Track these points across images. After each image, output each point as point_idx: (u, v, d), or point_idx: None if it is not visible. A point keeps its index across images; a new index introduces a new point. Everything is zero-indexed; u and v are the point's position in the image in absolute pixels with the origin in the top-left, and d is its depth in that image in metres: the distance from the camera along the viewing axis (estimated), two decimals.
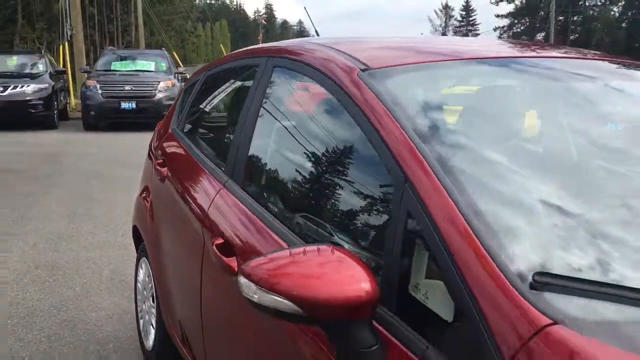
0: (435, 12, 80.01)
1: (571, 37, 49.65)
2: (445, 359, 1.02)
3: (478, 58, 1.81)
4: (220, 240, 1.77)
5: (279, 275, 1.11)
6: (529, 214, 1.19)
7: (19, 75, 13.64)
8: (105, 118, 12.99)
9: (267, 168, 1.99)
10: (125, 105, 12.80)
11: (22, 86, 12.94)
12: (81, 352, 3.01)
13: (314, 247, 1.14)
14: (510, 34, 53.78)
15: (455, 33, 66.66)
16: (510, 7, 55.88)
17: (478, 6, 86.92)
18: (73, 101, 17.37)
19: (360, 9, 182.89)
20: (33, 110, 12.68)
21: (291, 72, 1.96)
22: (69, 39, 19.38)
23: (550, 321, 0.92)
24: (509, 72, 1.82)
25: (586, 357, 0.87)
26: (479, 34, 68.95)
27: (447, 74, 1.77)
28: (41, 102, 12.83)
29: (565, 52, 2.06)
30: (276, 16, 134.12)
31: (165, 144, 2.89)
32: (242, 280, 1.14)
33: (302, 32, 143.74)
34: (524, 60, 1.88)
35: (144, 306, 2.94)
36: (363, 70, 1.57)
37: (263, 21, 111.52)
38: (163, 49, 17.31)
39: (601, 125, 1.71)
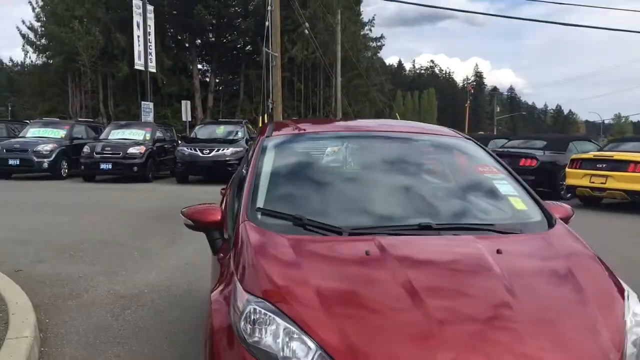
0: None
1: None
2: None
3: (334, 132, 3.48)
4: None
5: (191, 214, 2.88)
6: (292, 193, 2.83)
7: (223, 141, 17.27)
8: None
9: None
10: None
11: (223, 149, 16.45)
12: None
13: (207, 205, 2.96)
14: None
15: None
16: None
17: None
18: None
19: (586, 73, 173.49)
20: (229, 168, 15.97)
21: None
22: (269, 111, 23.29)
23: (246, 218, 2.54)
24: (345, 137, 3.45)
25: (249, 228, 2.47)
26: None
27: (308, 136, 3.45)
28: (237, 161, 16.11)
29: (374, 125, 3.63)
30: (485, 83, 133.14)
31: None
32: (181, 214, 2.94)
33: (512, 99, 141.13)
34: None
35: None
36: (267, 137, 3.28)
37: (471, 89, 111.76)
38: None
39: (376, 160, 3.23)
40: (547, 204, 2.94)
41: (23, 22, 42.66)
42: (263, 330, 1.93)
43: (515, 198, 2.88)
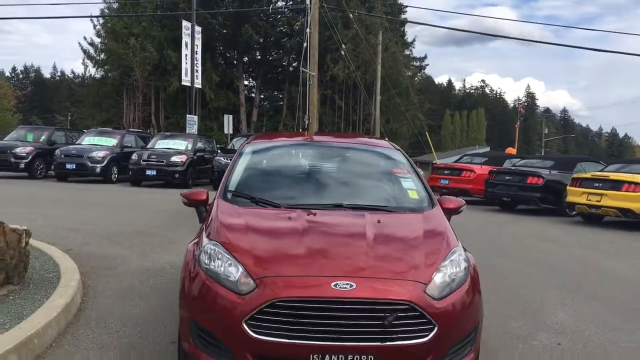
0: None
1: None
2: None
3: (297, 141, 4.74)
4: None
5: (186, 195, 4.19)
6: (255, 183, 4.10)
7: None
8: None
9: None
10: None
11: None
12: None
13: (198, 189, 4.29)
14: None
15: None
16: None
17: None
18: None
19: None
20: None
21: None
22: (306, 127, 24.69)
23: (219, 196, 3.83)
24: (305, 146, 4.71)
25: (220, 202, 3.77)
26: None
27: (278, 144, 4.72)
28: None
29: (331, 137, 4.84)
30: (538, 104, 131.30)
31: None
32: (180, 195, 4.27)
33: (566, 121, 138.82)
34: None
35: None
36: (247, 144, 4.60)
37: (522, 109, 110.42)
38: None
39: (319, 162, 4.46)
40: (442, 198, 4.12)
41: (85, 38, 45.83)
42: (213, 260, 3.17)
43: (413, 191, 4.06)
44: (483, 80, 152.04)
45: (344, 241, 3.39)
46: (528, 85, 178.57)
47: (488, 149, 64.83)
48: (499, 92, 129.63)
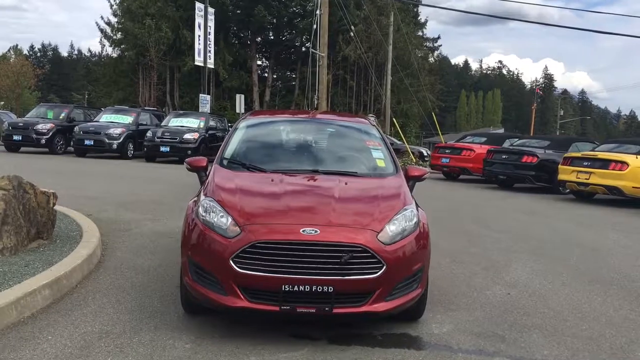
0: None
1: None
2: None
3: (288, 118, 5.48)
4: None
5: (189, 162, 4.92)
6: (247, 152, 4.84)
7: None
8: None
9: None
10: None
11: None
12: None
13: (199, 157, 5.04)
14: None
15: None
16: None
17: None
18: None
19: None
20: None
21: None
22: (315, 107, 25.34)
23: (216, 163, 4.61)
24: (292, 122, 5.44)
25: (216, 167, 4.54)
26: None
27: (269, 120, 5.45)
28: None
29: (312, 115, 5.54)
30: (556, 86, 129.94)
31: None
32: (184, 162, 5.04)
33: (584, 102, 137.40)
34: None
35: None
36: (243, 119, 5.34)
37: (539, 90, 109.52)
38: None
39: (304, 135, 5.18)
40: (408, 167, 4.84)
41: (102, 17, 46.56)
42: (209, 213, 3.92)
43: (380, 160, 4.77)
44: (500, 61, 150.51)
45: (314, 199, 4.13)
46: (546, 67, 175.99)
47: (502, 130, 64.97)
48: (516, 73, 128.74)
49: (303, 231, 3.65)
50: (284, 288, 3.57)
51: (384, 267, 3.66)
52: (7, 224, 5.10)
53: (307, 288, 3.57)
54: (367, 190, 4.30)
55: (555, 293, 5.24)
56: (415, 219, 4.02)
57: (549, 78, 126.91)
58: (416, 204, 4.31)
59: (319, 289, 3.57)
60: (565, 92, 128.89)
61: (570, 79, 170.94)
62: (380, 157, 4.83)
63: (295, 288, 3.57)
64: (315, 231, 3.65)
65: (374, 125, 5.34)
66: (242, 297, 3.63)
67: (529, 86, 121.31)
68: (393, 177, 4.57)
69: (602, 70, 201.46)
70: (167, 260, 5.80)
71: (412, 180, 4.76)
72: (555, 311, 4.69)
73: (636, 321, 4.55)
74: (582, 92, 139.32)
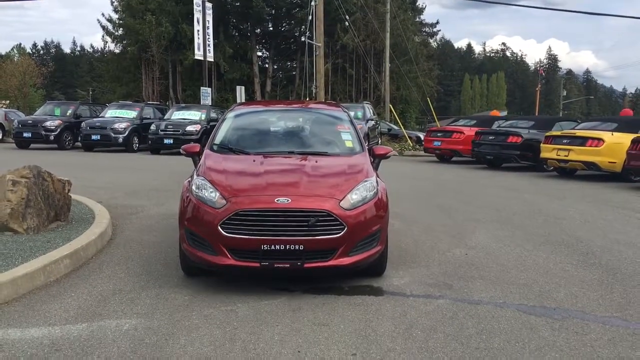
0: None
1: None
2: None
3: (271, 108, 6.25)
4: None
5: (185, 148, 5.72)
6: (235, 138, 5.64)
7: None
8: None
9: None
10: None
11: None
12: None
13: (193, 143, 5.85)
14: None
15: None
16: None
17: None
18: None
19: None
20: None
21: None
22: (313, 96, 26.03)
23: (207, 148, 5.41)
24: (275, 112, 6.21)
25: (207, 152, 5.34)
26: None
27: (253, 110, 6.23)
28: None
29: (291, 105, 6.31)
30: (560, 66, 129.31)
31: None
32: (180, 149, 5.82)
33: (589, 82, 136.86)
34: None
35: None
36: (231, 110, 6.11)
37: (542, 72, 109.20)
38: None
39: (284, 122, 5.95)
40: (375, 147, 5.61)
41: (103, 14, 47.18)
42: (201, 189, 4.70)
43: (349, 141, 5.54)
44: (504, 44, 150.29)
45: (289, 175, 4.90)
46: (549, 47, 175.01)
47: (505, 112, 65.36)
48: (519, 55, 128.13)
49: (277, 200, 4.42)
50: (263, 247, 4.35)
51: (345, 228, 4.42)
52: (30, 207, 5.91)
53: (282, 247, 4.34)
54: (334, 166, 5.07)
55: (507, 253, 6.02)
56: (374, 190, 4.79)
57: (553, 59, 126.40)
58: (378, 177, 5.07)
59: (292, 247, 4.34)
60: (569, 72, 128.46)
61: (576, 59, 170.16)
62: (348, 139, 5.60)
63: (272, 247, 4.34)
64: (288, 200, 4.42)
65: (345, 112, 6.09)
66: (229, 256, 4.42)
67: (533, 68, 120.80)
68: (359, 155, 5.34)
69: (607, 49, 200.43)
70: (170, 237, 6.58)
71: (377, 159, 5.52)
72: (502, 265, 5.47)
73: (570, 272, 5.31)
74: (587, 72, 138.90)
